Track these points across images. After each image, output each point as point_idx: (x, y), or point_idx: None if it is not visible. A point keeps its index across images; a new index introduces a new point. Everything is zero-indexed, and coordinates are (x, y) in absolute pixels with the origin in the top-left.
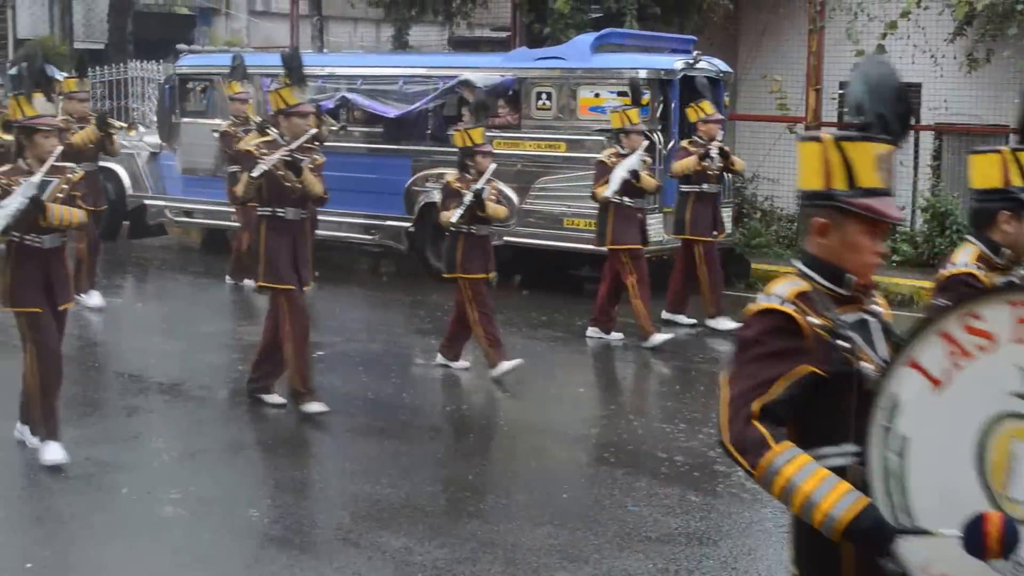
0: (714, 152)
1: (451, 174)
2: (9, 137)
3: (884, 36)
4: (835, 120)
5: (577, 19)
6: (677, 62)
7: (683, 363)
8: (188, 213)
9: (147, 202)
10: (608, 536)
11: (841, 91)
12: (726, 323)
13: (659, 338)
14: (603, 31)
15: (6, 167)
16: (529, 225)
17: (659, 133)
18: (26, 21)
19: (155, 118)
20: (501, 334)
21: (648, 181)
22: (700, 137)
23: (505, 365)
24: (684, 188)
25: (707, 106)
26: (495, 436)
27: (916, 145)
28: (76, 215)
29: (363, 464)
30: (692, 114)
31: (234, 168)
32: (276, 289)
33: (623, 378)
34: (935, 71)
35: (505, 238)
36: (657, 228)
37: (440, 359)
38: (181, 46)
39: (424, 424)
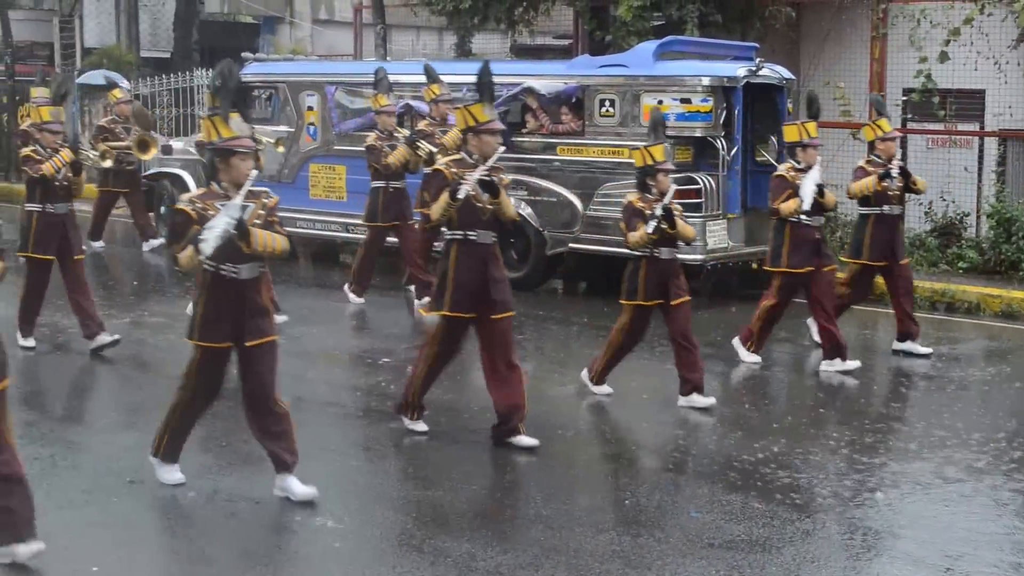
0: (895, 171)
1: (631, 194)
2: (146, 156)
3: (947, 42)
4: (899, 127)
5: (639, 27)
6: (740, 69)
7: (746, 370)
8: None
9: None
10: (671, 542)
11: (904, 97)
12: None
13: (749, 357)
14: (666, 38)
15: (199, 191)
16: (593, 232)
17: (722, 140)
18: (93, 30)
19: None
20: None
21: (831, 198)
22: (878, 156)
23: (603, 388)
24: (863, 210)
25: (885, 124)
26: (558, 442)
27: (980, 151)
28: (279, 242)
29: (426, 469)
30: (869, 132)
31: (379, 184)
32: (451, 317)
33: None
34: (999, 77)
35: (571, 245)
36: (721, 235)
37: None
38: (246, 54)
39: (486, 429)
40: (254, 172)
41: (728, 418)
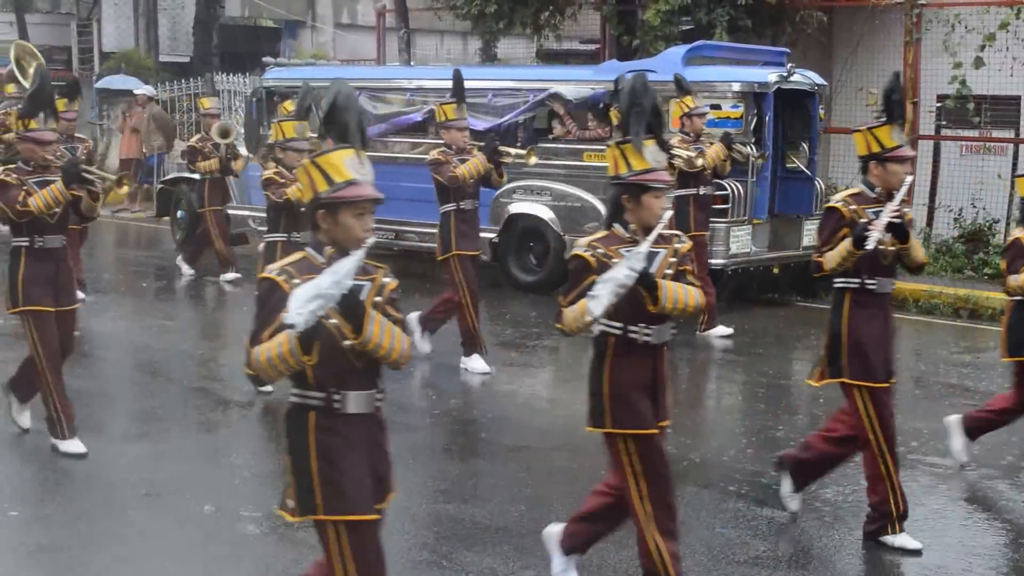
0: None
1: (1019, 230)
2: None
3: (982, 48)
4: (932, 133)
5: (667, 31)
6: (770, 75)
7: (774, 382)
8: None
9: (231, 212)
10: (696, 558)
11: (939, 104)
12: None
13: None
14: (695, 43)
15: (601, 234)
16: None
17: (752, 146)
18: (112, 34)
19: (241, 130)
20: None
21: None
22: None
23: (962, 454)
24: None
25: None
26: (581, 454)
27: (1015, 158)
28: (692, 296)
29: (447, 483)
30: None
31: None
32: (860, 387)
33: (715, 398)
34: None
35: None
36: (744, 240)
37: None
38: (267, 59)
39: (508, 442)
40: (667, 214)
41: (755, 432)
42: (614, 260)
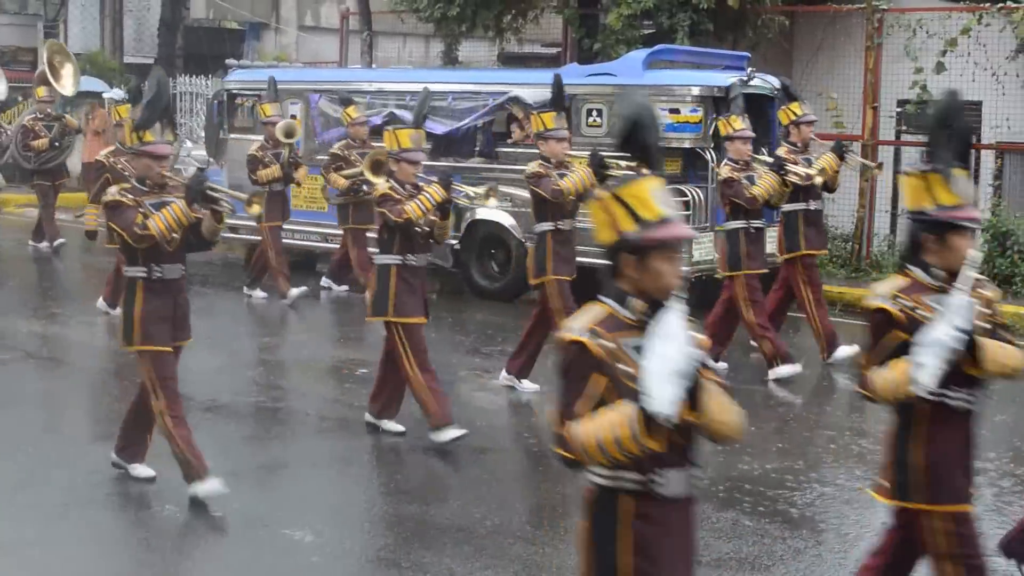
0: None
1: None
2: (379, 179)
3: (944, 53)
4: (892, 139)
5: (628, 35)
6: (730, 79)
7: (747, 389)
8: (233, 229)
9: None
10: None
11: (899, 109)
12: None
13: None
14: (656, 47)
15: (902, 281)
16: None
17: (711, 151)
18: (78, 35)
19: (203, 133)
20: None
21: None
22: None
23: None
24: None
25: None
26: (543, 457)
27: (976, 164)
28: (1013, 357)
29: (408, 485)
30: None
31: (738, 224)
32: None
33: None
34: (996, 89)
35: None
36: (707, 248)
37: None
38: (230, 61)
39: (469, 445)
40: (975, 255)
41: None
42: (920, 312)
